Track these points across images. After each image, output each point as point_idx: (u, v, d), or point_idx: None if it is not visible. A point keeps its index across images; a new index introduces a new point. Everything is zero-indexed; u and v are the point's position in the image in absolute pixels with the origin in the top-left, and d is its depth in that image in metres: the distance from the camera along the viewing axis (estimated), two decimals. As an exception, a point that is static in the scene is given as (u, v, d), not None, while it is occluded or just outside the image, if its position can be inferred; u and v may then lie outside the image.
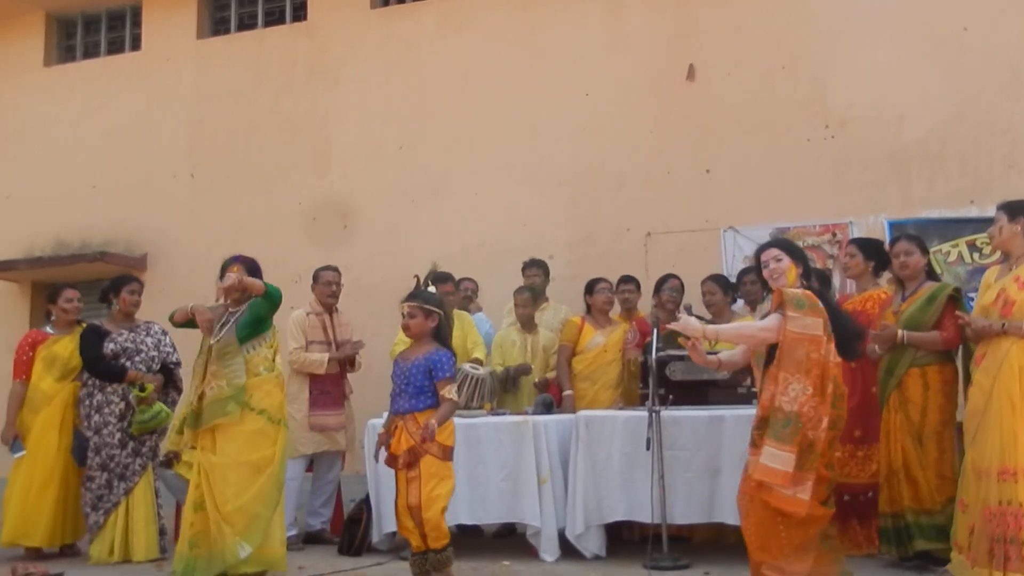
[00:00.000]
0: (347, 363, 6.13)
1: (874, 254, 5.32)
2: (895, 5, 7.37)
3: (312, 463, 6.11)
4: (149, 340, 5.81)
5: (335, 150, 8.71)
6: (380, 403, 4.94)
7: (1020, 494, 3.92)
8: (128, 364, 5.65)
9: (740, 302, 6.24)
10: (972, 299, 5.00)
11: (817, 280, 4.34)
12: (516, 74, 8.23)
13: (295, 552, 5.63)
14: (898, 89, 7.21)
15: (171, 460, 5.25)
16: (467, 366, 5.60)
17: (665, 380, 5.24)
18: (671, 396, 5.14)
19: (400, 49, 8.67)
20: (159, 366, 5.75)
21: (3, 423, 5.88)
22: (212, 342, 4.80)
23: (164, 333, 5.91)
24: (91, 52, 10.13)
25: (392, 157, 8.47)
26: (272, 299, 4.86)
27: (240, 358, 4.77)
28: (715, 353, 4.44)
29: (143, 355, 5.73)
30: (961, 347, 4.81)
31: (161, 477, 5.72)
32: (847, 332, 3.98)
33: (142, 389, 5.55)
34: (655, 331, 5.13)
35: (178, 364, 5.90)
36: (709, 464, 4.91)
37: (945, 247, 6.87)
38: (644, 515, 4.93)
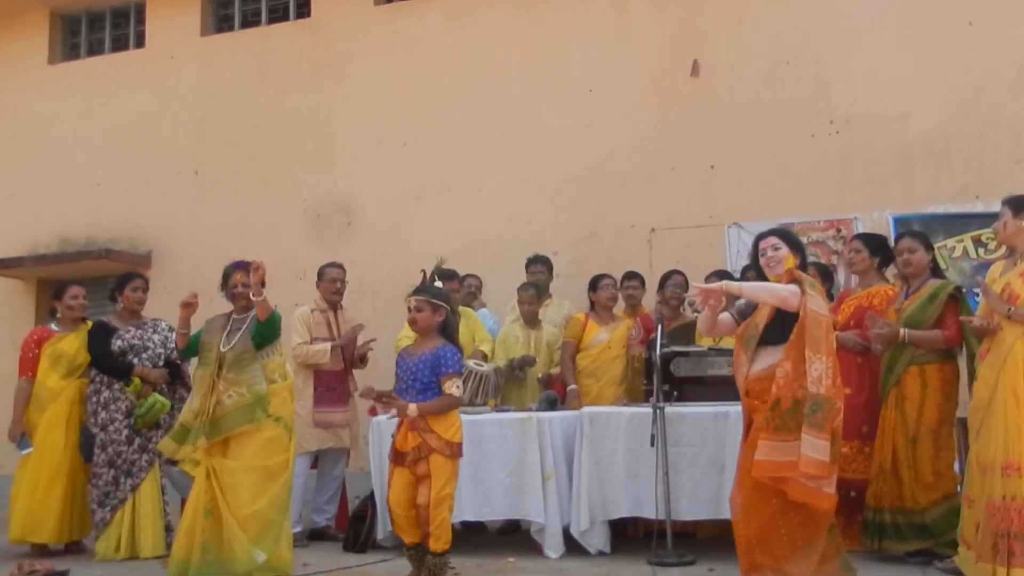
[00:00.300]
0: (356, 360, 6.14)
1: (879, 249, 5.32)
2: (899, 1, 7.35)
3: (317, 460, 6.12)
4: (156, 337, 5.83)
5: (339, 147, 8.71)
6: (385, 400, 4.94)
7: (1024, 489, 3.92)
8: (135, 361, 5.67)
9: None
10: (976, 295, 5.00)
11: (818, 274, 4.33)
12: (520, 71, 8.23)
13: (300, 549, 5.63)
14: (902, 85, 7.20)
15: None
16: (471, 363, 5.61)
17: (669, 376, 5.25)
18: (675, 392, 5.14)
19: (404, 46, 8.67)
20: (163, 362, 5.77)
21: (9, 420, 5.89)
22: (224, 349, 4.79)
23: (171, 330, 5.94)
24: (95, 50, 10.15)
25: (396, 154, 8.48)
26: (272, 326, 4.84)
27: (257, 364, 4.78)
28: (718, 350, 4.43)
29: (150, 352, 5.75)
30: (964, 346, 4.81)
31: (167, 474, 5.73)
32: None
33: (129, 384, 5.57)
34: (659, 327, 5.13)
35: (184, 360, 5.91)
36: (714, 460, 4.91)
37: (950, 243, 6.86)
38: (649, 511, 4.93)
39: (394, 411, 4.22)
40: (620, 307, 6.50)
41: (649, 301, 6.67)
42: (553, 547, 5.14)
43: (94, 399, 5.68)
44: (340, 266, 6.27)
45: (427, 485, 4.11)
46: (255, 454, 4.70)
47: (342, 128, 8.73)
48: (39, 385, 5.84)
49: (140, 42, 9.84)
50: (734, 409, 4.93)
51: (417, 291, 4.35)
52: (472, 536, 5.89)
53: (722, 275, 6.12)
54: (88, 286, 6.40)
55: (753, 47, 7.63)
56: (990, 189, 6.74)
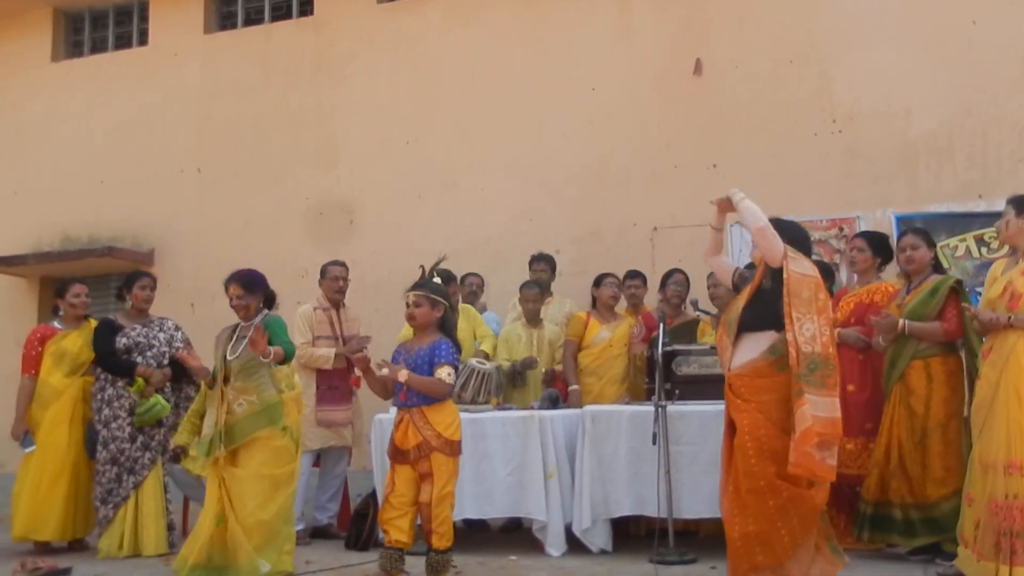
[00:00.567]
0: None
1: (881, 248, 5.34)
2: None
3: (319, 458, 6.13)
4: (161, 335, 5.85)
5: (342, 145, 8.71)
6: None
7: (1027, 488, 3.92)
8: (139, 359, 5.69)
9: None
10: (979, 293, 5.00)
11: (821, 272, 4.31)
12: (522, 69, 8.22)
13: (302, 547, 5.64)
14: (906, 83, 7.19)
15: (179, 455, 5.27)
16: (473, 361, 5.61)
17: (671, 374, 5.25)
18: (677, 391, 5.13)
19: (407, 44, 8.66)
20: (168, 361, 5.78)
21: (12, 419, 5.90)
22: (231, 358, 4.79)
23: (177, 328, 5.98)
24: (98, 47, 10.15)
25: (399, 152, 8.47)
26: (287, 359, 4.88)
27: (265, 371, 4.79)
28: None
29: (155, 350, 5.77)
30: (964, 342, 4.80)
31: (169, 472, 5.74)
32: None
33: (132, 383, 5.58)
34: (661, 325, 5.14)
35: None
36: (715, 458, 4.83)
37: (953, 241, 6.85)
38: (651, 510, 4.94)
39: (386, 370, 4.16)
40: (622, 306, 6.50)
41: (651, 299, 6.67)
42: (555, 545, 5.15)
43: (98, 396, 5.70)
44: (343, 264, 6.27)
45: (429, 483, 4.12)
46: (263, 463, 4.72)
47: (345, 126, 8.73)
48: (42, 383, 5.85)
49: (143, 40, 9.84)
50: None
51: (415, 286, 4.33)
52: (474, 534, 5.90)
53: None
54: (91, 284, 6.42)
55: (756, 45, 7.62)
56: (993, 188, 6.73)
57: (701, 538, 5.35)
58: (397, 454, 4.21)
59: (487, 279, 7.08)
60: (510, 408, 5.64)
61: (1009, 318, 4.11)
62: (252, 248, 8.34)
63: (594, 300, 6.34)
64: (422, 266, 4.44)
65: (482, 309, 6.84)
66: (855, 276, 5.57)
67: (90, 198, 9.35)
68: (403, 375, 4.08)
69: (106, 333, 5.72)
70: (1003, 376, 4.10)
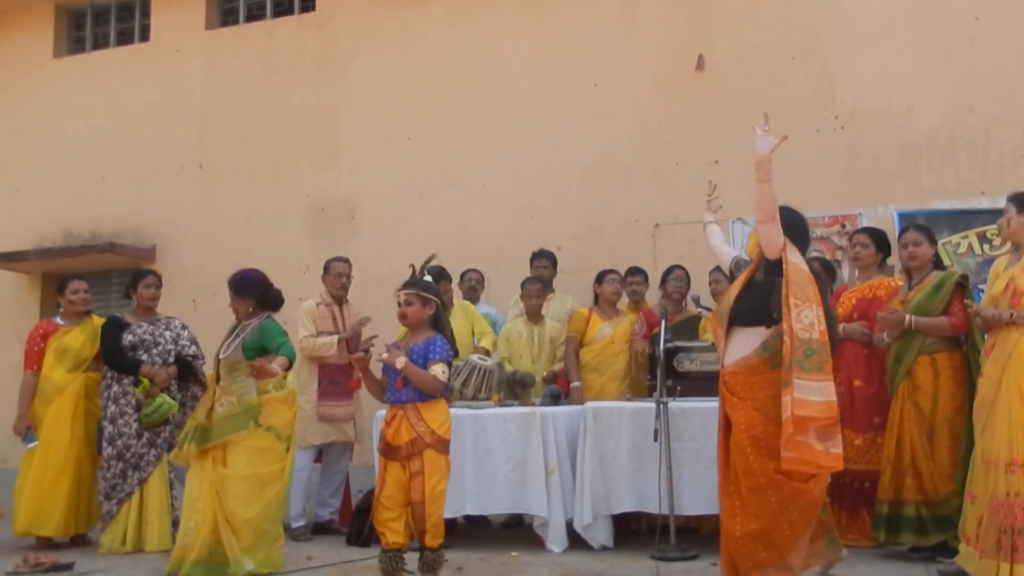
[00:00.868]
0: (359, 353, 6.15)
1: (883, 245, 5.36)
2: (905, -4, 7.34)
3: (321, 453, 6.13)
4: (168, 334, 5.86)
5: (344, 141, 8.71)
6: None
7: (1029, 486, 3.91)
8: (145, 356, 5.69)
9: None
10: (981, 290, 4.99)
11: (823, 269, 4.32)
12: (525, 66, 8.21)
13: (303, 542, 5.67)
14: (908, 80, 7.17)
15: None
16: (475, 357, 5.61)
17: (672, 371, 5.25)
18: (678, 387, 5.14)
19: (409, 41, 8.65)
20: (174, 359, 5.78)
21: (15, 414, 5.91)
22: (223, 356, 4.82)
23: (184, 327, 6.00)
24: (100, 43, 10.14)
25: (401, 148, 8.47)
26: (267, 339, 4.85)
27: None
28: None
29: (160, 348, 5.78)
30: (967, 337, 4.80)
31: (174, 469, 5.74)
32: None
33: (138, 384, 5.58)
34: (663, 322, 5.14)
35: (196, 358, 5.93)
36: (716, 455, 4.90)
37: (955, 238, 6.84)
38: (652, 506, 4.95)
39: (386, 355, 4.16)
40: (624, 302, 6.50)
41: (653, 296, 6.67)
42: (556, 542, 5.15)
43: (105, 393, 5.73)
44: (346, 260, 6.29)
45: (421, 481, 4.05)
46: (247, 462, 4.74)
47: (346, 123, 8.72)
48: (44, 379, 5.86)
49: (145, 36, 9.83)
50: (737, 404, 4.94)
51: (406, 285, 4.31)
52: (475, 530, 5.91)
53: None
54: (93, 280, 6.43)
55: (758, 42, 7.60)
56: (995, 185, 6.71)
57: (702, 534, 5.35)
58: (388, 450, 4.15)
59: (488, 276, 7.08)
60: (512, 404, 5.65)
61: (1012, 315, 4.11)
62: (254, 244, 8.34)
63: (596, 296, 6.35)
64: (412, 265, 4.43)
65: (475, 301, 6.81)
66: (855, 272, 5.57)
67: (92, 194, 9.35)
68: (400, 361, 4.07)
69: (113, 330, 5.74)
70: (1006, 373, 4.09)
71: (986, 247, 6.76)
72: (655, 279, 6.62)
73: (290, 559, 5.02)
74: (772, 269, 3.91)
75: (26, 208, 9.59)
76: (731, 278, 4.23)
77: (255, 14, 9.52)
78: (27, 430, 5.82)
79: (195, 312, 7.88)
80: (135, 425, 5.61)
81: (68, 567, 5.06)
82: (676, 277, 6.26)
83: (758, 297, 3.90)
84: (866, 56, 7.29)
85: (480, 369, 5.50)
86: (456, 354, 4.37)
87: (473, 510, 5.35)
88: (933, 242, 5.01)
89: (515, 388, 6.10)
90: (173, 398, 5.70)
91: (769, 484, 3.74)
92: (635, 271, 6.57)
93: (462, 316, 6.20)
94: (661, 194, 7.64)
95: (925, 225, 5.29)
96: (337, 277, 6.18)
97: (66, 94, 9.74)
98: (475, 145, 8.21)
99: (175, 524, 5.59)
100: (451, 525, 5.13)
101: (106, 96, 9.57)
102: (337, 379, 6.05)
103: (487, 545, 5.38)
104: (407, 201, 8.32)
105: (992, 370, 4.19)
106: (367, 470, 6.05)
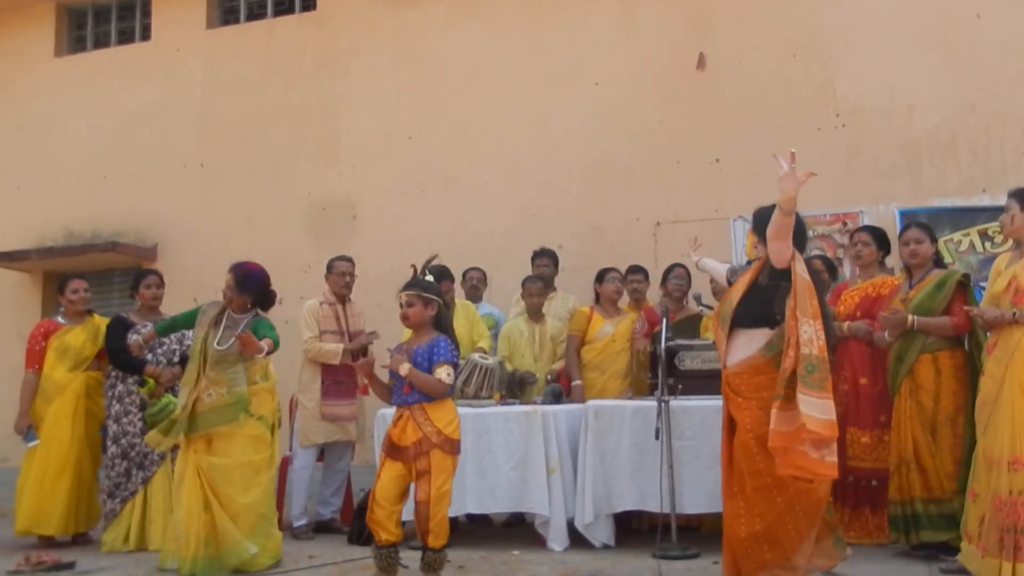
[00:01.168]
0: (360, 353, 6.14)
1: (884, 243, 5.36)
2: (906, -6, 7.33)
3: (323, 452, 6.13)
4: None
5: (344, 140, 8.71)
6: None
7: (1031, 484, 3.91)
8: (149, 356, 5.69)
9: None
10: (983, 288, 4.99)
11: (825, 268, 4.32)
12: (525, 64, 8.21)
13: (305, 541, 5.67)
14: (909, 78, 7.17)
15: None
16: (476, 356, 5.61)
17: (674, 369, 5.25)
18: (680, 386, 5.13)
19: (409, 40, 8.65)
20: (179, 359, 5.78)
21: (16, 413, 5.91)
22: (220, 348, 4.83)
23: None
24: (101, 42, 10.14)
25: (401, 147, 8.47)
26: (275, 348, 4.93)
27: (240, 366, 4.86)
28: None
29: (164, 347, 5.77)
30: (969, 337, 4.80)
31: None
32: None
33: (143, 384, 5.59)
34: (664, 320, 5.13)
35: None
36: (718, 454, 4.86)
37: (957, 236, 6.84)
38: (653, 505, 4.94)
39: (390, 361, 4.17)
40: (625, 301, 6.50)
41: (654, 295, 6.66)
42: (557, 540, 5.15)
43: (109, 392, 5.73)
44: (349, 259, 6.28)
45: (427, 481, 4.03)
46: (242, 450, 4.82)
47: (347, 122, 8.72)
48: (46, 378, 5.86)
49: (146, 35, 9.84)
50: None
51: (407, 286, 4.28)
52: (477, 529, 5.91)
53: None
54: (94, 279, 6.43)
55: (759, 40, 7.60)
56: (996, 182, 6.71)
57: (703, 533, 5.34)
58: (393, 449, 4.14)
59: (490, 275, 7.07)
60: (513, 403, 5.65)
61: (1014, 314, 4.10)
62: (255, 243, 8.34)
63: (597, 295, 6.34)
64: (413, 265, 4.43)
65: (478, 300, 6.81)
66: (856, 270, 5.57)
67: (93, 193, 9.36)
68: (404, 368, 4.07)
69: (118, 330, 5.74)
70: (1008, 372, 4.09)
71: (987, 244, 6.75)
72: (656, 277, 6.62)
73: (292, 558, 5.03)
74: (776, 273, 3.91)
75: (27, 207, 9.59)
76: (733, 275, 4.22)
77: (256, 13, 9.52)
78: (28, 429, 5.82)
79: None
80: (139, 424, 5.61)
81: (70, 566, 5.06)
82: (677, 275, 6.26)
83: (762, 300, 3.90)
84: (867, 54, 7.29)
85: (481, 368, 5.50)
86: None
87: (474, 509, 5.35)
88: (934, 240, 5.01)
89: (515, 387, 6.10)
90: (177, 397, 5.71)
91: (775, 484, 3.74)
92: (636, 269, 6.57)
93: (463, 318, 6.19)
94: (662, 193, 7.64)
95: (926, 223, 5.28)
96: (341, 276, 6.18)
97: (67, 93, 9.74)
98: (476, 144, 8.21)
99: (179, 523, 5.62)
100: (453, 524, 5.12)
101: (107, 95, 9.58)
102: (340, 379, 6.05)
103: (489, 544, 5.38)
104: (408, 200, 8.32)
105: (994, 368, 4.18)
106: (369, 469, 6.03)
